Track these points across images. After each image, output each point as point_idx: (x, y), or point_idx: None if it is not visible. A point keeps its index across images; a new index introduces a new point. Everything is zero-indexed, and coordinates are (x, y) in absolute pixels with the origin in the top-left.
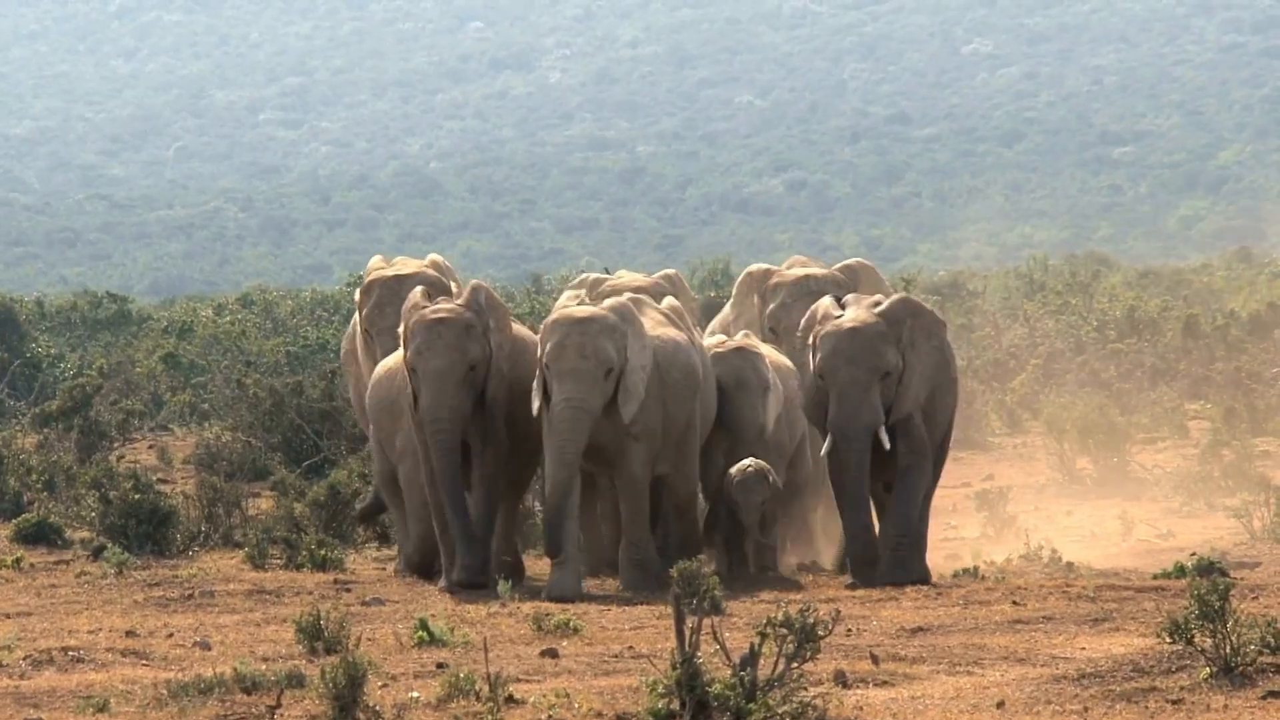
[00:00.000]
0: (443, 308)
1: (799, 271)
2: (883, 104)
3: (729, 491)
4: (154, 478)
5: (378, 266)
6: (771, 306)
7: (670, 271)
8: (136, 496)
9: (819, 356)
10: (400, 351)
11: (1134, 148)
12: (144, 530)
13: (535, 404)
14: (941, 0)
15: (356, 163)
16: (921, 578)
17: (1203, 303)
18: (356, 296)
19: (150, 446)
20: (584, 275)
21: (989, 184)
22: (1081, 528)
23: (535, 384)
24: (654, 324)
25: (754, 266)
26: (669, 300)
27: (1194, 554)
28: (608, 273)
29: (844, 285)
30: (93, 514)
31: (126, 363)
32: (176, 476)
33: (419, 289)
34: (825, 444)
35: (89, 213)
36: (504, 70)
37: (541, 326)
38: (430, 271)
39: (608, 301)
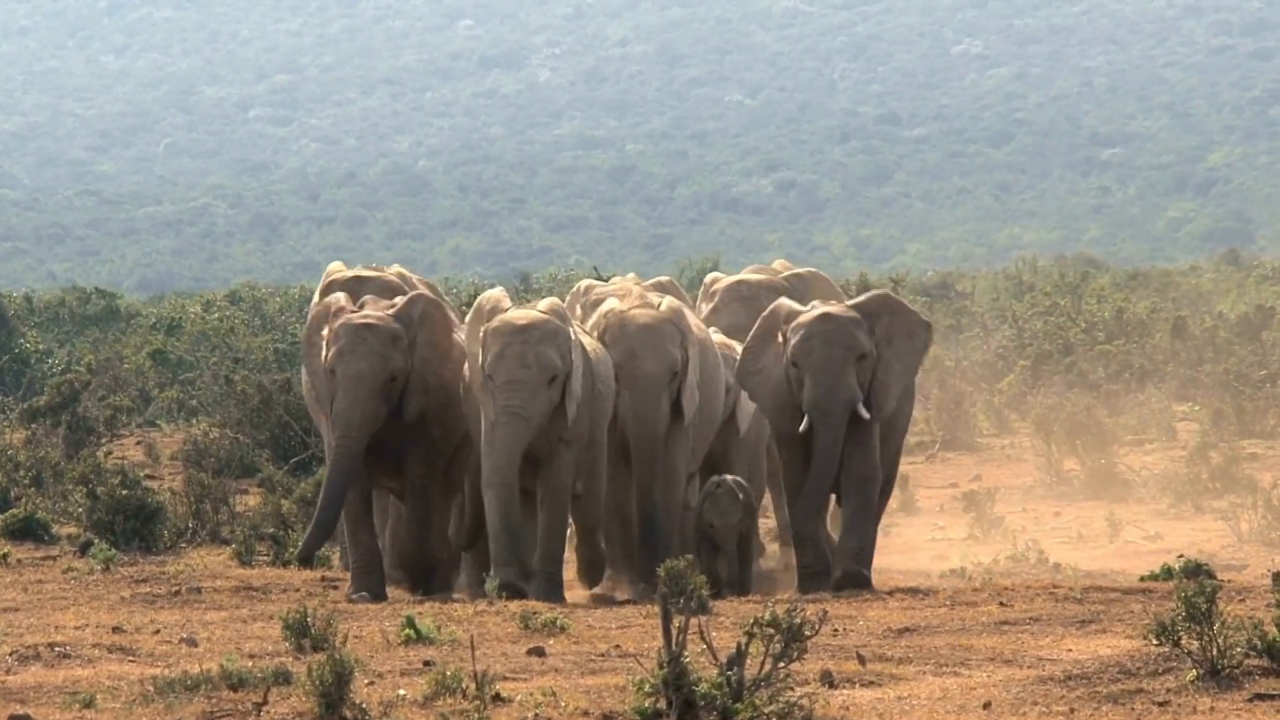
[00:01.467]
0: (370, 314)
1: (734, 278)
2: (872, 104)
3: (702, 513)
4: (141, 474)
5: (337, 269)
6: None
7: (664, 279)
8: (124, 492)
9: (792, 344)
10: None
11: (1123, 149)
12: (131, 526)
13: (489, 413)
14: (931, 1)
15: (345, 160)
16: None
17: (1191, 305)
18: (313, 301)
19: (138, 442)
20: (582, 282)
21: (978, 185)
22: (1069, 529)
23: (481, 394)
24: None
25: (709, 277)
26: (668, 300)
27: (1181, 556)
28: (597, 272)
29: (782, 290)
30: (80, 510)
31: (115, 359)
32: (164, 472)
33: (341, 294)
34: (802, 424)
35: (78, 208)
36: (493, 68)
37: (481, 333)
38: (391, 278)
39: (544, 303)
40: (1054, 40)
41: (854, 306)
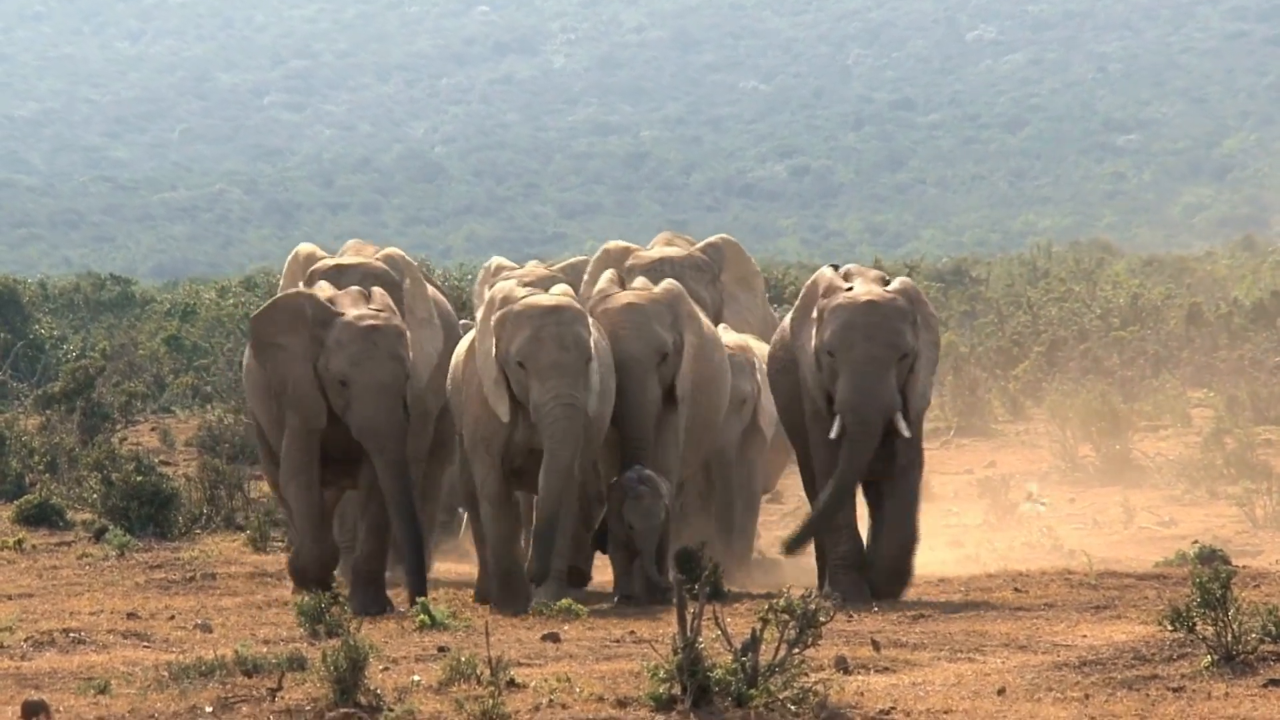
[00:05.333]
0: (369, 314)
1: (655, 253)
2: (887, 90)
3: (624, 512)
4: (156, 460)
5: (309, 251)
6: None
7: (576, 259)
8: (139, 479)
9: (829, 331)
10: (472, 340)
11: (1138, 135)
12: (146, 512)
13: (503, 410)
14: None
15: (360, 146)
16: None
17: (1206, 291)
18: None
19: (153, 429)
20: (493, 260)
21: (993, 170)
22: (1084, 515)
23: (493, 385)
24: None
25: (611, 243)
26: (668, 282)
27: (1196, 542)
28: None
29: (704, 266)
30: (95, 496)
31: (129, 345)
32: (179, 459)
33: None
34: (834, 427)
35: (93, 194)
36: (508, 54)
37: (496, 319)
38: (377, 264)
39: (561, 287)
40: (1069, 26)
41: (899, 291)
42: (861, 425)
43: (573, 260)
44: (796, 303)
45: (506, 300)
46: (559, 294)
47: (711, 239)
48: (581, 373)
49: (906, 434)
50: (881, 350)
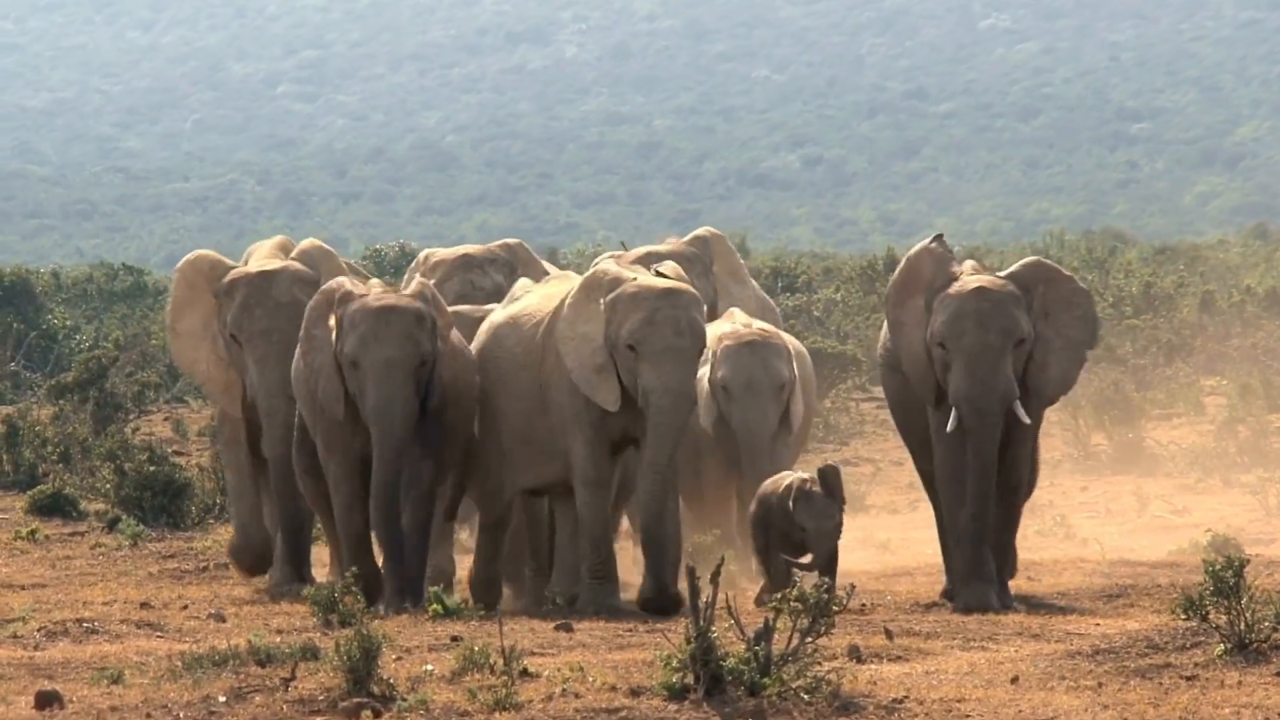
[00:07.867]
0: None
1: (641, 250)
2: (900, 79)
3: (795, 513)
4: (169, 450)
5: (209, 257)
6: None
7: (512, 241)
8: (152, 469)
9: (939, 321)
10: (503, 310)
11: (1151, 124)
12: (159, 502)
13: (610, 399)
14: None
15: (373, 136)
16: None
17: (1219, 279)
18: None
19: (165, 419)
20: (424, 252)
21: (1006, 159)
22: (1097, 504)
23: (595, 373)
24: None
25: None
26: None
27: (1209, 530)
28: (624, 247)
29: (693, 258)
30: (108, 486)
31: (142, 335)
32: (192, 449)
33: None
34: (950, 420)
35: (105, 185)
36: (521, 44)
37: (607, 302)
38: (297, 266)
39: (668, 265)
40: (1081, 14)
41: (1010, 276)
42: (979, 416)
43: (508, 242)
44: (894, 280)
45: (616, 282)
46: (673, 276)
47: (696, 231)
48: (695, 361)
49: (1026, 420)
50: (995, 338)
